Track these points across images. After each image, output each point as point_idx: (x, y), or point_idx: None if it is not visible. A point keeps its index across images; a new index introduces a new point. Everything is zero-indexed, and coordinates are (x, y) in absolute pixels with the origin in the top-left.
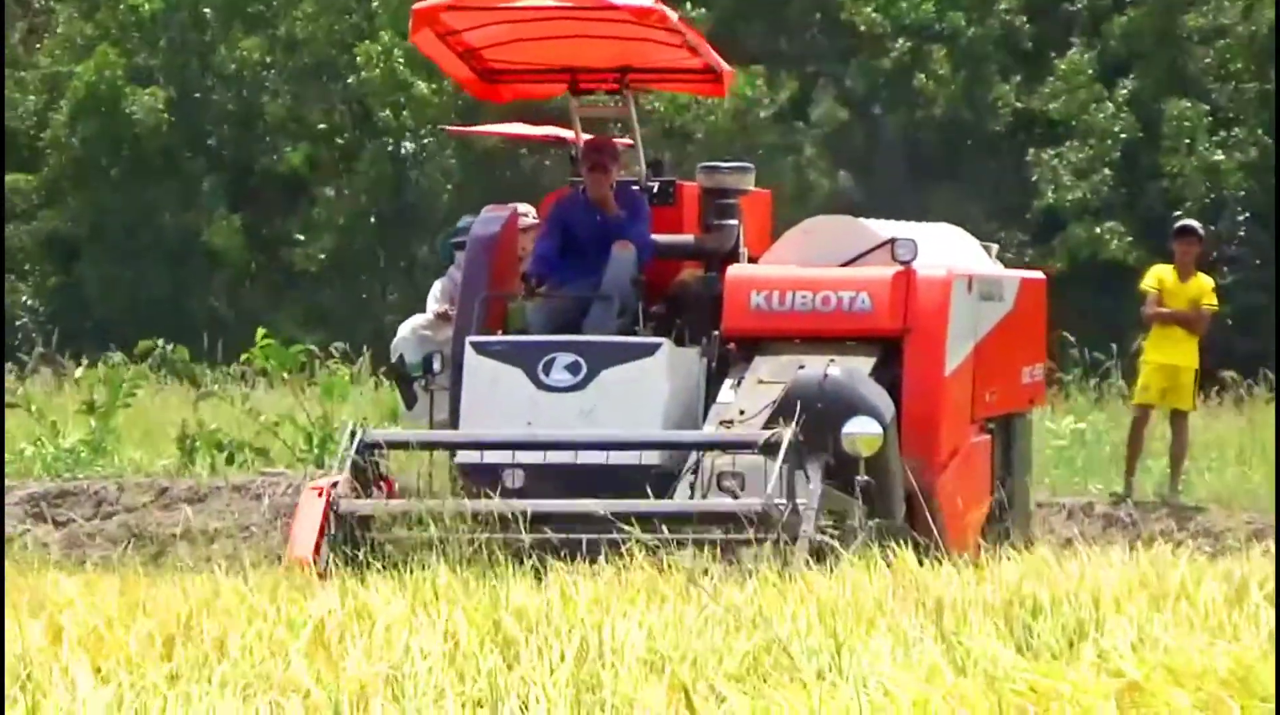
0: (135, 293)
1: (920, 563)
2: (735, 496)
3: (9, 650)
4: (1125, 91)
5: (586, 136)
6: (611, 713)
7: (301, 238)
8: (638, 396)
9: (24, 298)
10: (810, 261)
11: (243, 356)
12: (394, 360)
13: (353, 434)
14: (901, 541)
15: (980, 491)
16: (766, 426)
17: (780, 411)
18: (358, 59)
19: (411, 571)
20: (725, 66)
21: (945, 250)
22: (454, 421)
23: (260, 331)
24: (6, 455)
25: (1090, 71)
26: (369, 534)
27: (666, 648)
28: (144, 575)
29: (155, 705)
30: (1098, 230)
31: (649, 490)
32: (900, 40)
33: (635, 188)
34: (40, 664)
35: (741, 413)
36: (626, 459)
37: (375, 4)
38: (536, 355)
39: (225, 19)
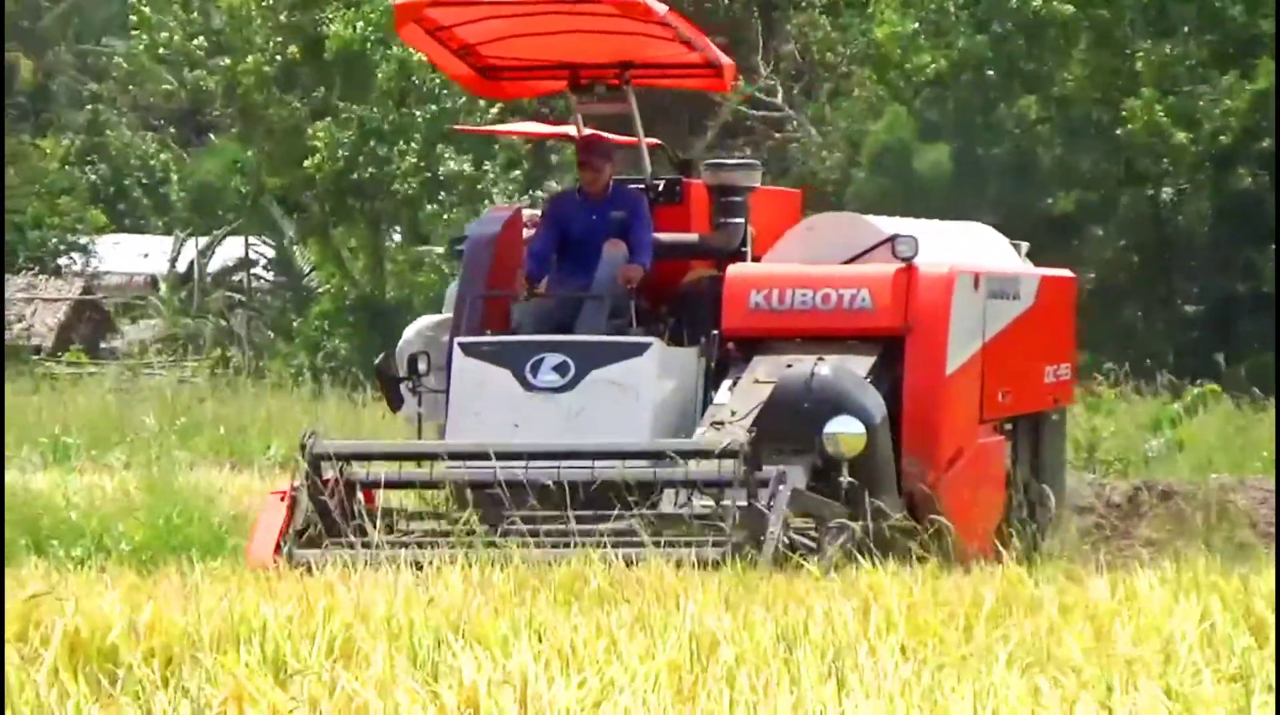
0: None
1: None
2: (718, 503)
3: None
4: None
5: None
6: None
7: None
8: (626, 397)
9: None
10: (812, 259)
11: None
12: (379, 361)
13: (303, 446)
14: (899, 545)
15: (993, 493)
16: (753, 427)
17: (766, 412)
18: (1123, 113)
19: (1174, 562)
20: (725, 60)
21: (961, 248)
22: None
23: None
24: None
25: None
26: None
27: None
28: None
29: (949, 679)
30: None
31: (630, 499)
32: None
33: (636, 186)
34: (848, 644)
35: (734, 414)
36: (610, 467)
37: (1138, 64)
38: (524, 355)
39: (1005, 79)
